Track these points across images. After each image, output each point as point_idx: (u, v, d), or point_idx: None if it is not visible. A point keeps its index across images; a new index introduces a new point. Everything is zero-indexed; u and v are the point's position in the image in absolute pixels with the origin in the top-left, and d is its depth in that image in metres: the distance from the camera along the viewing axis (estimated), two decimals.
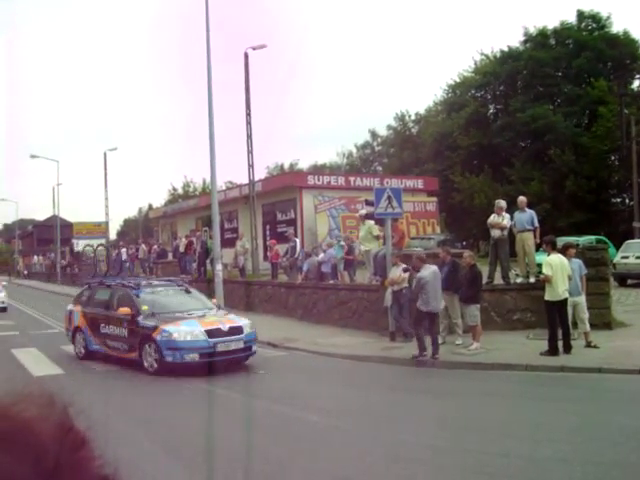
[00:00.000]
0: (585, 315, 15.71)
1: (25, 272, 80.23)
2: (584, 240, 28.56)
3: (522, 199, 19.70)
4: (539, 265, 18.21)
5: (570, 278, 15.16)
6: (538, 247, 19.63)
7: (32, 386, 0.99)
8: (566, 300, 15.00)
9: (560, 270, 14.94)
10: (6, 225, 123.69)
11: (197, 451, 8.78)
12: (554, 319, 15.02)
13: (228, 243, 36.13)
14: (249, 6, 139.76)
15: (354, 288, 21.66)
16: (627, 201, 50.59)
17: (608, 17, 53.75)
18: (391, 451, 8.77)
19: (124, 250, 45.66)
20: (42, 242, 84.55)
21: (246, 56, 32.03)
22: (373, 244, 22.08)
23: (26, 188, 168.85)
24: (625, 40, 52.43)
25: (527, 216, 19.20)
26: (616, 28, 53.59)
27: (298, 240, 28.86)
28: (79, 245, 63.61)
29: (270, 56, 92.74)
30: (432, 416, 10.80)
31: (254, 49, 32.05)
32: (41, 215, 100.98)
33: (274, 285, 27.11)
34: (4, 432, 0.89)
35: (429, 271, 15.72)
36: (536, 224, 19.13)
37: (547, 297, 15.12)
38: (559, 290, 14.87)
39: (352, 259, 24.27)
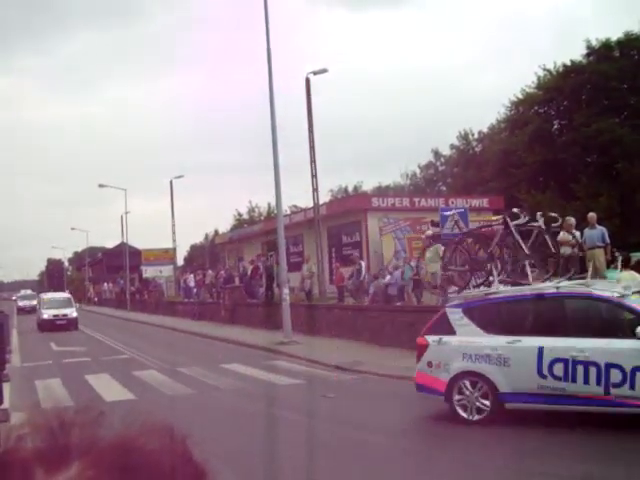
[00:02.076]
0: None
1: (95, 299, 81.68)
2: None
3: (592, 215, 19.38)
4: None
5: None
6: (609, 264, 19.24)
7: (151, 418, 0.99)
8: None
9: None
10: (76, 253, 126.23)
11: (260, 473, 8.76)
12: None
13: (294, 267, 36.22)
14: (310, 29, 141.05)
15: (422, 310, 21.46)
16: None
17: None
18: (461, 473, 8.63)
19: (191, 276, 46.19)
20: (111, 269, 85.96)
21: (307, 81, 32.26)
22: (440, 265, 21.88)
23: (95, 217, 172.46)
24: None
25: (597, 232, 18.86)
26: None
27: (364, 262, 28.80)
28: (148, 272, 64.65)
29: (331, 78, 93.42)
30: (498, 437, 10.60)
31: (315, 74, 32.27)
32: (110, 243, 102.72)
33: (340, 308, 27.06)
34: (130, 465, 0.90)
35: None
36: (607, 240, 18.78)
37: None
38: None
39: (419, 280, 24.11)
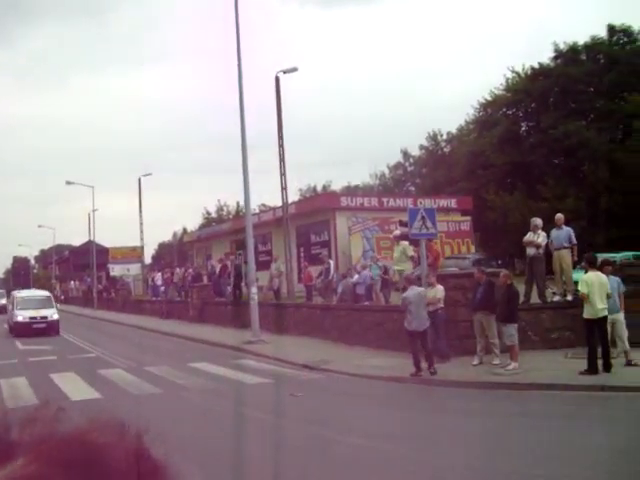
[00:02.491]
0: (624, 333, 15.48)
1: (62, 297, 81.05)
2: (621, 256, 28.25)
3: (559, 216, 19.55)
4: (576, 283, 18.04)
5: (609, 296, 14.98)
6: (575, 265, 19.45)
7: (105, 413, 1.00)
8: (605, 318, 14.82)
9: (597, 288, 14.76)
10: (43, 251, 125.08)
11: (230, 474, 8.75)
12: (593, 337, 14.83)
13: (262, 266, 36.21)
14: (280, 29, 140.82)
15: (390, 309, 21.56)
16: None
17: None
18: (430, 473, 8.70)
19: (159, 275, 45.98)
20: (78, 267, 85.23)
21: (277, 80, 32.24)
22: (407, 265, 21.99)
23: (62, 214, 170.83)
24: None
25: (564, 233, 19.04)
26: None
27: (332, 262, 28.85)
28: (115, 270, 64.21)
29: (301, 77, 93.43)
30: (470, 437, 10.68)
31: (285, 72, 32.26)
32: (77, 241, 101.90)
33: (309, 307, 27.09)
34: (81, 458, 0.90)
35: (413, 292, 16.51)
36: (574, 241, 18.95)
37: (585, 315, 14.95)
38: (597, 308, 14.69)
39: (387, 280, 24.22)
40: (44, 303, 35.60)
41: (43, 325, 33.49)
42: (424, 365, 16.15)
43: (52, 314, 34.38)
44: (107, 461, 0.92)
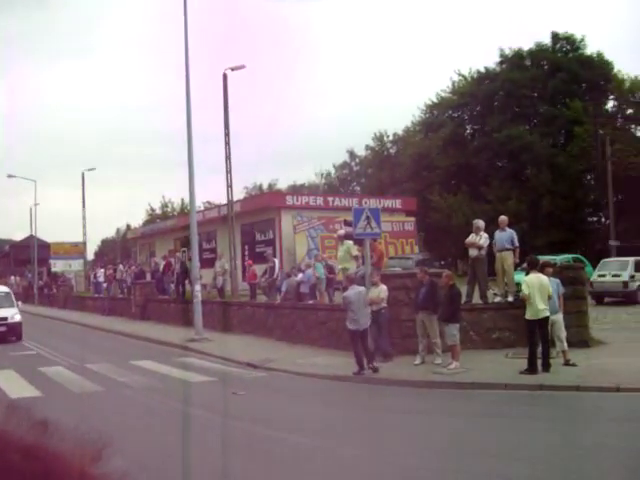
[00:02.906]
0: (563, 333, 15.78)
1: None
2: (561, 259, 28.82)
3: (503, 218, 19.81)
4: (518, 284, 18.34)
5: (550, 297, 15.27)
6: (517, 266, 19.75)
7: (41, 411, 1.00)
8: (547, 319, 15.11)
9: (538, 289, 15.03)
10: None
11: (175, 473, 8.71)
12: (534, 338, 15.10)
13: (207, 264, 36.02)
14: (227, 27, 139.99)
15: (333, 308, 21.63)
16: (603, 220, 51.17)
17: (582, 39, 54.64)
18: (374, 470, 8.77)
19: (102, 271, 45.44)
20: (19, 262, 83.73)
21: (225, 77, 32.11)
22: (351, 264, 22.08)
23: (3, 208, 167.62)
24: (599, 62, 53.21)
25: (507, 235, 19.30)
26: (590, 50, 54.49)
27: (277, 260, 28.84)
28: (57, 265, 63.23)
29: (250, 76, 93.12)
30: (411, 436, 10.79)
31: (233, 70, 32.15)
32: (18, 235, 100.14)
33: (253, 305, 27.04)
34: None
35: (354, 292, 16.76)
36: (516, 243, 19.23)
37: (527, 316, 15.23)
38: (538, 308, 14.96)
39: (332, 279, 24.31)
40: (2, 301, 28.71)
41: (3, 329, 27.33)
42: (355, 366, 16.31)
43: (13, 315, 27.92)
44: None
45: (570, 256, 32.84)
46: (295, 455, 9.74)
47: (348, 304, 16.68)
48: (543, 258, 20.16)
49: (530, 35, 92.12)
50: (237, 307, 27.85)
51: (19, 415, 0.99)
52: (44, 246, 69.83)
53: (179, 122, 26.12)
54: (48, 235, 75.77)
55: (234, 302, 28.86)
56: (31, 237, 68.19)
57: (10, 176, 61.64)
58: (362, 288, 17.28)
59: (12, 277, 78.73)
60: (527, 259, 16.68)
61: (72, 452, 0.97)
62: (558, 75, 51.70)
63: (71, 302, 49.98)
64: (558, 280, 16.51)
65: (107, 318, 37.73)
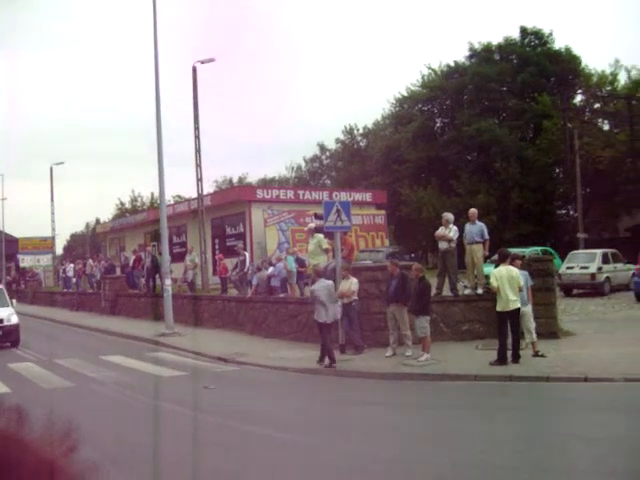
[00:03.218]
0: (532, 325, 15.91)
1: None
2: (530, 251, 29.08)
3: (473, 211, 19.92)
4: (487, 276, 18.47)
5: (521, 289, 15.40)
6: (486, 259, 19.88)
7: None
8: (517, 310, 15.20)
9: (507, 281, 15.14)
10: None
11: (146, 467, 8.69)
12: (504, 329, 15.21)
13: (177, 258, 35.90)
14: (198, 20, 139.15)
15: (304, 301, 21.62)
16: (571, 212, 51.64)
17: (550, 34, 54.97)
18: (344, 463, 8.81)
19: (71, 266, 45.08)
20: None
21: (194, 70, 31.99)
22: (322, 258, 22.10)
23: None
24: (567, 56, 53.58)
25: (477, 228, 19.41)
26: (558, 44, 54.83)
27: (247, 254, 28.80)
28: (25, 261, 62.64)
29: (219, 69, 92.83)
30: (383, 428, 10.84)
31: (202, 63, 32.04)
32: None
33: (223, 299, 26.97)
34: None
35: (321, 285, 16.98)
36: (486, 236, 19.34)
37: (498, 308, 15.35)
38: (508, 300, 15.07)
39: (303, 272, 24.31)
40: None
41: None
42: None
43: (9, 316, 23.63)
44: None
45: (539, 248, 33.14)
46: (266, 448, 9.74)
47: (315, 297, 16.83)
48: (512, 251, 20.34)
49: (499, 30, 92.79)
50: (208, 301, 27.78)
51: None
52: (12, 241, 69.09)
53: (149, 115, 26.08)
54: (16, 230, 75.06)
55: (205, 296, 28.79)
56: None
57: None
58: (329, 282, 17.41)
59: None
60: (498, 252, 16.80)
61: (44, 442, 0.97)
62: (527, 69, 52.01)
63: (40, 297, 49.55)
64: (527, 272, 16.64)
65: (76, 313, 37.45)
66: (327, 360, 16.41)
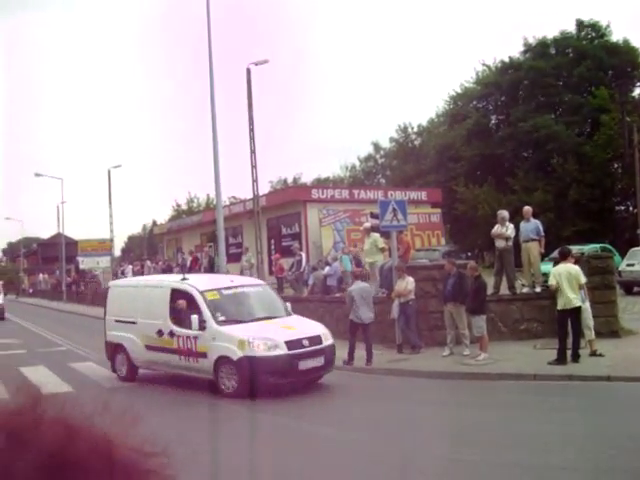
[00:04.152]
0: (591, 322, 15.68)
1: (30, 290, 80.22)
2: (589, 249, 28.58)
3: (527, 209, 19.72)
4: (545, 275, 18.26)
5: (582, 287, 15.17)
6: (543, 257, 19.65)
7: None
8: (578, 309, 14.96)
9: (566, 278, 14.94)
10: (10, 244, 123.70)
11: (207, 467, 8.79)
12: (565, 328, 15.00)
13: (233, 258, 36.14)
14: (252, 22, 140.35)
15: None
16: (631, 208, 50.61)
17: (607, 26, 54.01)
18: (404, 463, 8.80)
19: (130, 267, 45.70)
20: (47, 260, 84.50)
21: (248, 72, 32.15)
22: (378, 257, 22.09)
23: (30, 206, 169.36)
24: (625, 48, 52.60)
25: (532, 226, 19.20)
26: (616, 37, 53.86)
27: (304, 254, 28.86)
28: (84, 263, 63.70)
29: (272, 70, 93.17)
30: (442, 427, 10.79)
31: (256, 64, 32.20)
32: (46, 233, 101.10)
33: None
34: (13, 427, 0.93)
35: (357, 287, 17.32)
36: (542, 234, 19.13)
37: (559, 306, 15.12)
38: (567, 299, 14.86)
39: (361, 272, 24.28)
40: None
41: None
42: (361, 355, 16.83)
43: None
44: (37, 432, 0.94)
45: (598, 245, 32.56)
46: (326, 447, 9.79)
47: (351, 298, 17.16)
48: (571, 248, 20.09)
49: (554, 23, 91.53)
50: None
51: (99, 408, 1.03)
52: (71, 243, 70.31)
53: (203, 117, 26.37)
54: (75, 232, 76.40)
55: None
56: (59, 235, 68.72)
57: (37, 175, 62.11)
58: (366, 284, 18.02)
59: (40, 275, 79.58)
60: (559, 250, 16.61)
61: (136, 447, 1.00)
62: (583, 63, 51.21)
63: (99, 298, 50.25)
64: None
65: None
66: (346, 358, 16.85)
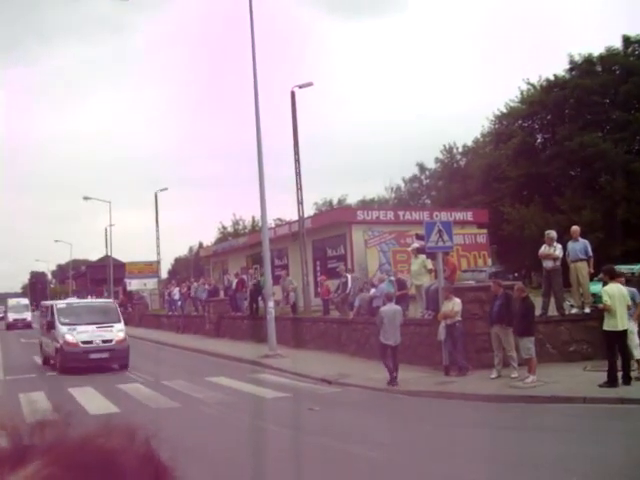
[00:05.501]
0: (637, 343, 15.35)
1: None
2: (639, 268, 28.10)
3: (575, 228, 19.48)
4: (594, 295, 17.98)
5: (629, 307, 14.93)
6: (592, 277, 19.36)
7: (115, 420, 1.03)
8: (626, 331, 14.73)
9: (618, 300, 14.71)
10: (60, 266, 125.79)
11: None
12: (614, 349, 14.75)
13: (279, 280, 36.27)
14: (294, 45, 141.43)
15: (407, 323, 21.42)
16: None
17: None
18: None
19: (177, 289, 46.07)
20: (95, 282, 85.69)
21: (292, 94, 32.39)
22: (426, 278, 21.97)
23: (79, 229, 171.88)
24: None
25: (580, 245, 18.95)
26: None
27: (349, 275, 28.83)
28: (132, 284, 64.42)
29: (316, 91, 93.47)
30: (487, 451, 10.63)
31: (300, 87, 32.41)
32: (94, 255, 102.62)
33: (326, 321, 27.07)
34: (88, 463, 0.92)
35: (388, 308, 17.70)
36: (590, 253, 18.85)
37: (606, 327, 14.86)
38: (618, 320, 14.61)
39: (405, 294, 24.12)
40: (103, 314, 25.15)
41: (104, 355, 23.25)
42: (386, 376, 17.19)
43: (117, 333, 23.95)
44: (117, 464, 0.94)
45: None
46: (369, 470, 9.71)
47: (381, 319, 17.44)
48: (620, 268, 19.76)
49: (600, 40, 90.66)
50: (310, 323, 27.93)
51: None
52: (119, 266, 71.24)
53: (249, 139, 26.68)
54: (123, 255, 77.42)
55: (307, 318, 28.95)
56: (107, 257, 69.71)
57: (86, 198, 63.16)
58: (398, 307, 18.38)
59: (89, 296, 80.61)
60: (603, 269, 16.34)
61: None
62: (630, 79, 50.54)
63: (146, 320, 50.78)
64: (635, 289, 16.05)
65: (181, 335, 38.26)
66: (388, 377, 17.12)
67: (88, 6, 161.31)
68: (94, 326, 23.59)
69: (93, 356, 22.80)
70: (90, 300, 31.80)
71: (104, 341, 23.27)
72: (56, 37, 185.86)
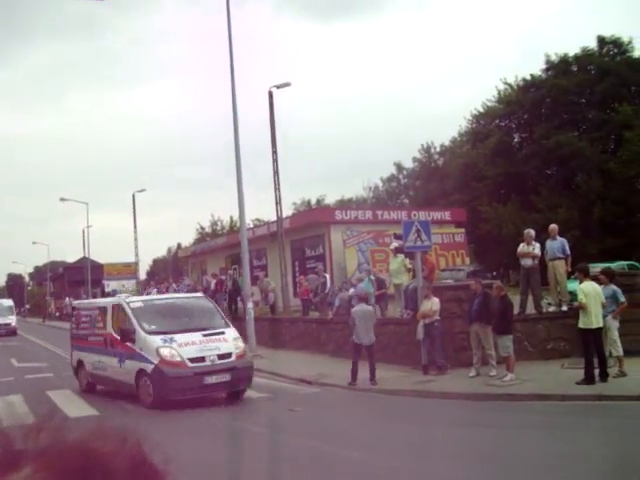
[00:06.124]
0: (618, 340, 15.38)
1: (57, 314, 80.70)
2: (616, 266, 28.31)
3: (553, 227, 19.57)
4: (571, 293, 18.10)
5: (604, 305, 15.03)
6: (569, 275, 19.50)
7: (105, 423, 1.04)
8: (601, 328, 14.85)
9: (593, 298, 14.82)
10: (37, 267, 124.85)
11: None
12: (589, 347, 14.86)
13: (257, 281, 36.22)
14: (274, 44, 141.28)
15: (386, 322, 21.52)
16: None
17: (629, 42, 53.75)
18: None
19: (155, 290, 45.83)
20: (73, 284, 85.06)
21: (270, 95, 32.36)
22: (405, 277, 22.03)
23: (57, 231, 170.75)
24: None
25: (558, 244, 19.06)
26: (638, 52, 53.58)
27: (328, 275, 28.85)
28: (110, 286, 64.10)
29: (293, 90, 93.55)
30: (468, 449, 10.68)
31: (278, 87, 32.40)
32: (72, 257, 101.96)
33: (305, 321, 27.06)
34: (80, 467, 0.94)
35: (361, 309, 17.82)
36: (568, 252, 18.97)
37: (581, 325, 14.98)
38: (593, 317, 14.73)
39: (384, 293, 24.18)
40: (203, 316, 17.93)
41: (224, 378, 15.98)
42: (366, 376, 17.15)
43: (234, 343, 16.77)
44: (109, 468, 0.96)
45: (625, 263, 32.29)
46: (351, 471, 9.71)
47: (353, 320, 17.60)
48: (598, 266, 19.90)
49: (576, 41, 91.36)
50: (289, 323, 27.91)
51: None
52: (97, 267, 70.86)
53: (226, 140, 26.68)
54: (101, 256, 76.96)
55: (286, 318, 28.94)
56: (84, 258, 69.27)
57: (63, 199, 62.72)
58: (370, 308, 18.57)
59: (67, 298, 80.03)
60: (578, 267, 16.45)
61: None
62: (606, 79, 50.98)
63: None
64: (618, 289, 15.93)
65: None
66: (349, 377, 17.27)
67: (61, 4, 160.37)
68: (199, 334, 16.30)
69: (209, 380, 15.57)
70: (176, 295, 23.94)
71: (220, 356, 15.98)
72: (34, 36, 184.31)
